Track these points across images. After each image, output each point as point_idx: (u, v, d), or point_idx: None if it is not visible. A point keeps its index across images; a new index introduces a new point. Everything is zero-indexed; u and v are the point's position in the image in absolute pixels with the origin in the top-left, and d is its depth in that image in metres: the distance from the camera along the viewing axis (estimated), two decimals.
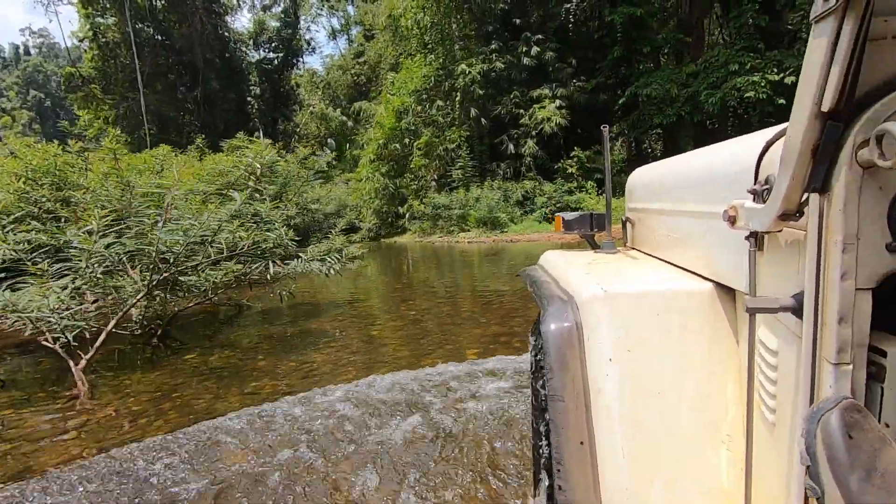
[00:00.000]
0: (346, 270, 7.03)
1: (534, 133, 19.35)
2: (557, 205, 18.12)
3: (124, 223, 4.91)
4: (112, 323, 4.33)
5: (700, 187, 1.19)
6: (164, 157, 10.96)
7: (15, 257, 4.25)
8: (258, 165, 6.37)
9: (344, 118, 33.58)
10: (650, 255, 1.56)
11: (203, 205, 5.77)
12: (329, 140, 33.82)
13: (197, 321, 6.39)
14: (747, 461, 0.92)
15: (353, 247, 7.47)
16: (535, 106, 19.41)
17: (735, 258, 0.97)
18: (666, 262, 1.40)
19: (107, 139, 7.33)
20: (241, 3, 37.54)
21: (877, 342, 0.69)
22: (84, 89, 30.46)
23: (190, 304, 6.00)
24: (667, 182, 1.45)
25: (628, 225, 1.78)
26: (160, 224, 4.48)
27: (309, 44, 42.40)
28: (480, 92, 20.04)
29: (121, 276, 4.67)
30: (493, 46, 20.23)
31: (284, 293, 6.76)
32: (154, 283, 4.60)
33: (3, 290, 3.92)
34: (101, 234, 4.41)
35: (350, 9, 40.95)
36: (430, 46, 22.39)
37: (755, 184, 0.84)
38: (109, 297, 4.58)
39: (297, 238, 6.21)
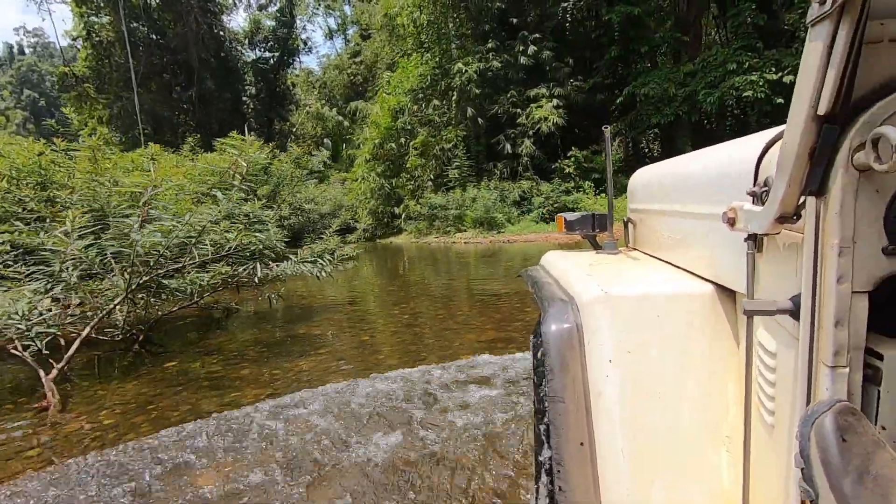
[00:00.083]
0: (339, 272, 6.85)
1: (531, 133, 19.19)
2: (555, 205, 17.99)
3: (103, 224, 4.72)
4: (87, 329, 4.13)
5: (701, 188, 1.19)
6: (153, 155, 10.74)
7: None
8: (244, 164, 6.16)
9: (340, 118, 33.46)
10: (652, 255, 1.56)
11: (193, 205, 5.59)
12: (325, 140, 33.67)
13: (184, 325, 6.18)
14: (745, 463, 0.91)
15: (346, 248, 7.32)
16: (532, 105, 19.24)
17: (735, 260, 0.97)
18: (667, 263, 1.40)
19: (88, 137, 7.13)
20: (236, 2, 37.24)
21: (873, 345, 0.69)
22: (78, 89, 30.16)
23: (175, 308, 5.80)
24: (668, 183, 1.45)
25: (630, 225, 1.78)
26: (135, 226, 4.27)
27: (305, 43, 42.24)
28: (477, 91, 19.88)
29: (100, 280, 4.48)
30: (489, 45, 20.07)
31: (273, 296, 6.57)
32: (133, 286, 4.41)
33: None
34: (77, 235, 4.22)
35: (346, 8, 40.83)
36: (426, 45, 22.26)
37: (754, 185, 0.85)
38: (87, 304, 4.39)
39: (287, 239, 6.04)
